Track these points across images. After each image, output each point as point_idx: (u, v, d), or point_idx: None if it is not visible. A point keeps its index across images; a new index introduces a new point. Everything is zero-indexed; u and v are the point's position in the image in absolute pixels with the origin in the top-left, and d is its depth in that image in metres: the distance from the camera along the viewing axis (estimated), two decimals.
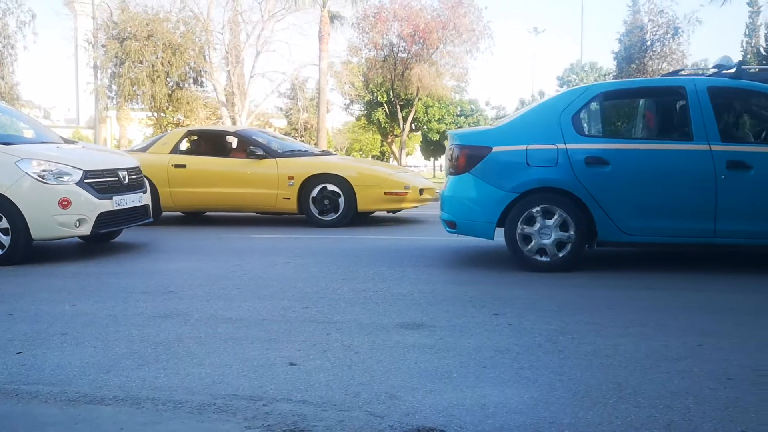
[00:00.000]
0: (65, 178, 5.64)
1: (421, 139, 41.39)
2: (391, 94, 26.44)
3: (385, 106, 28.40)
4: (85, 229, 5.76)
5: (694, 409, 2.34)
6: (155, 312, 3.88)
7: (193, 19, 24.06)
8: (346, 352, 3.06)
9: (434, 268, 5.32)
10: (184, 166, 8.81)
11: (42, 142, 6.35)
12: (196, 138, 9.77)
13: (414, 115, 28.53)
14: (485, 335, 3.32)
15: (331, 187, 8.28)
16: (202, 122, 25.00)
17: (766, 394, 2.47)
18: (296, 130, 32.00)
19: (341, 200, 8.26)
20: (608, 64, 25.68)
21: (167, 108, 23.68)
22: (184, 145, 9.45)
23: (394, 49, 24.58)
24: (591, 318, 3.64)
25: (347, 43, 29.83)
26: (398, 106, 27.02)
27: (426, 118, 33.25)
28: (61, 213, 5.59)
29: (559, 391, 2.54)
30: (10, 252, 5.55)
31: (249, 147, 8.75)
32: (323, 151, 11.15)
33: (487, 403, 2.42)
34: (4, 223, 5.53)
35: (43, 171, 5.56)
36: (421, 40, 23.84)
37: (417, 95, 25.78)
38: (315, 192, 8.31)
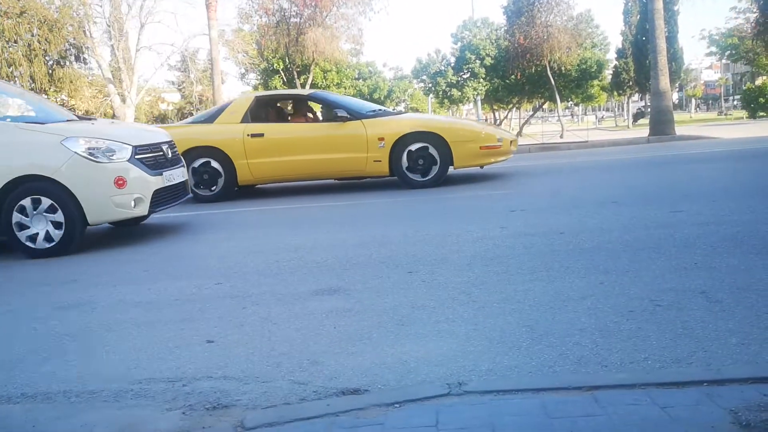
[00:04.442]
0: (115, 156, 5.18)
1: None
2: (287, 60, 25.92)
3: (282, 74, 27.85)
4: (142, 209, 5.37)
5: (601, 343, 2.48)
6: (58, 303, 3.70)
7: None
8: (264, 324, 3.04)
9: (345, 233, 5.33)
10: (261, 135, 8.26)
11: (68, 120, 5.71)
12: (264, 104, 9.04)
13: (312, 81, 28.11)
14: (401, 293, 3.37)
15: (424, 146, 7.90)
16: (88, 101, 23.68)
17: (662, 322, 2.64)
18: (191, 103, 30.96)
19: (437, 159, 7.90)
20: (499, 19, 26.10)
21: (49, 88, 22.27)
22: (254, 113, 8.64)
23: (286, 14, 23.96)
24: (501, 267, 3.76)
25: (237, 10, 28.95)
26: (295, 73, 26.53)
27: (325, 83, 32.85)
28: (118, 193, 5.15)
29: (475, 340, 2.62)
30: (66, 239, 5.10)
31: (333, 110, 8.31)
32: (399, 111, 10.88)
33: (407, 359, 2.47)
34: (58, 215, 5.07)
35: (91, 149, 5.07)
36: (313, 4, 23.37)
37: (314, 60, 25.37)
38: (408, 152, 7.92)
